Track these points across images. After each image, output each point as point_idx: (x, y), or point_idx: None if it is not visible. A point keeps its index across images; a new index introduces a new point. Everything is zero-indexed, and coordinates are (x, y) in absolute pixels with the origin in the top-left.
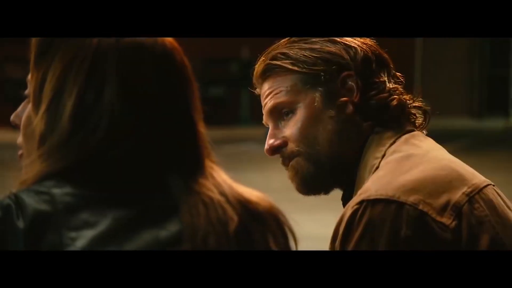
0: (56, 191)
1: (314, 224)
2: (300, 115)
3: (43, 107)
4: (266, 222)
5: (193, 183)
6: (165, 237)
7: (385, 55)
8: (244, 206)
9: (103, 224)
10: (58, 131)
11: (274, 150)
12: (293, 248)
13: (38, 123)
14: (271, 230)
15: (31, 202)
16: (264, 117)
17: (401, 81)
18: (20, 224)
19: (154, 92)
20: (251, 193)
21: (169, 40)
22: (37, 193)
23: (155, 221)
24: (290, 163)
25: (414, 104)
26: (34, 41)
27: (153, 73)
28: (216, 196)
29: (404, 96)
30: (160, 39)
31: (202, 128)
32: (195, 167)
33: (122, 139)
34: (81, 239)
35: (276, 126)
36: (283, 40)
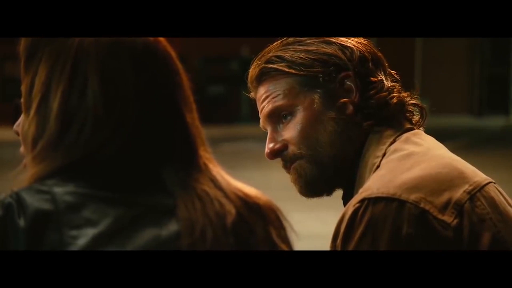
0: (58, 189)
1: (315, 223)
2: (299, 117)
3: (32, 111)
4: (267, 215)
5: (188, 178)
6: (165, 236)
7: (380, 54)
8: (243, 200)
9: (105, 223)
10: (47, 133)
11: (274, 154)
12: (294, 240)
13: (30, 127)
14: (273, 223)
15: (32, 201)
16: (261, 121)
17: (397, 79)
18: (21, 222)
19: (137, 87)
20: (248, 188)
21: None
22: (38, 191)
23: (155, 219)
24: (292, 166)
25: (411, 101)
26: (21, 48)
27: (134, 68)
28: (212, 190)
29: (402, 94)
30: None
31: (192, 119)
32: (188, 159)
33: (111, 136)
34: (83, 238)
35: (275, 130)
36: (276, 42)
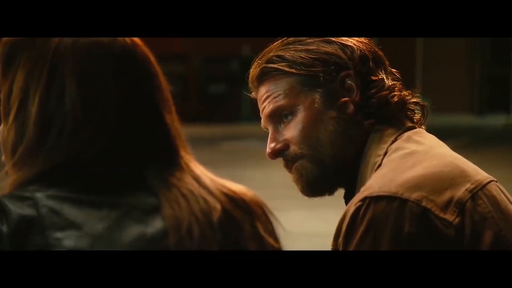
0: (39, 195)
1: (316, 221)
2: (300, 117)
3: (11, 118)
4: (253, 210)
5: (171, 177)
6: (150, 234)
7: (380, 53)
8: (228, 196)
9: (89, 224)
10: (26, 139)
11: (276, 153)
12: (281, 235)
13: (9, 134)
14: (259, 218)
15: (14, 207)
16: (262, 121)
17: (398, 78)
18: (4, 229)
19: (116, 90)
20: (233, 184)
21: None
22: (19, 198)
23: (139, 219)
24: (294, 166)
25: (412, 100)
26: None
27: (112, 71)
28: (196, 188)
29: (403, 92)
30: None
31: (172, 121)
32: (169, 160)
33: (91, 139)
34: (68, 239)
35: (276, 129)
36: (277, 42)
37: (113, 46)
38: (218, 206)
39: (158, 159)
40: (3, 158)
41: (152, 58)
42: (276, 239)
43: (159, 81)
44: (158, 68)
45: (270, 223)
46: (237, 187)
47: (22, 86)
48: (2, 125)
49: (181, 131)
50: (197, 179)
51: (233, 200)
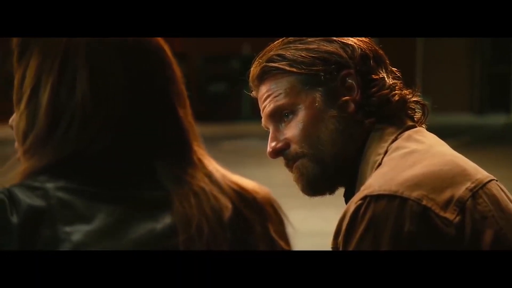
0: (50, 185)
1: (317, 220)
2: (301, 116)
3: (23, 105)
4: (264, 209)
5: (183, 173)
6: (160, 230)
7: (381, 52)
8: (240, 194)
9: (98, 219)
10: (36, 128)
11: (277, 152)
12: (291, 235)
13: (20, 120)
14: (270, 218)
15: (24, 197)
16: (263, 120)
17: (399, 76)
18: (14, 219)
19: (128, 82)
20: (245, 181)
21: None
22: (30, 188)
23: (149, 214)
24: (295, 165)
25: (413, 99)
26: (14, 42)
27: (124, 63)
28: (208, 186)
29: (404, 91)
30: None
31: (185, 114)
32: (182, 154)
33: (101, 132)
34: (77, 234)
35: (277, 129)
36: (277, 41)
37: (126, 38)
38: (229, 205)
39: (170, 153)
40: (16, 144)
41: (166, 49)
42: (286, 240)
43: (173, 73)
44: (172, 60)
45: (281, 223)
46: (249, 185)
47: (35, 74)
48: (15, 111)
49: (194, 125)
50: (209, 175)
51: (244, 199)
